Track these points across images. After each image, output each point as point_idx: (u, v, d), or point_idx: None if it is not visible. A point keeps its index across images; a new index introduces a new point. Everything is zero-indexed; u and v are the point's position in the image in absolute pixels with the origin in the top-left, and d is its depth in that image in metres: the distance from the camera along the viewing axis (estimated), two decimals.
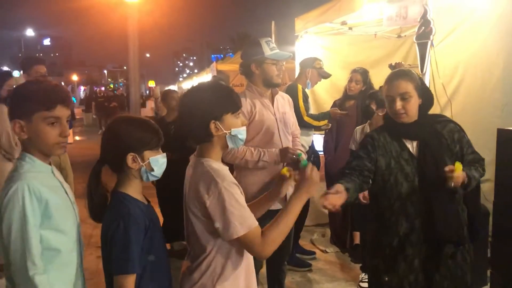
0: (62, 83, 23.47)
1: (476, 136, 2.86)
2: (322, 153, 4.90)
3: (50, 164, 1.82)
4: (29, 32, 60.25)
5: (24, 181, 1.65)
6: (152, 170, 1.80)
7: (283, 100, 3.28)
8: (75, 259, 1.82)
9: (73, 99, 23.02)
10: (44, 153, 1.76)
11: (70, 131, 1.84)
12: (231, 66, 11.46)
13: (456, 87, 4.26)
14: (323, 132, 4.91)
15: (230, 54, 24.40)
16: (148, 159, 1.79)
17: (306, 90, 4.42)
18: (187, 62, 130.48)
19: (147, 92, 28.02)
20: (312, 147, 4.43)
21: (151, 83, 31.28)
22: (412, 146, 2.34)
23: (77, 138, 16.28)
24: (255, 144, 3.01)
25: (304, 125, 4.07)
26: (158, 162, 1.82)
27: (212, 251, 1.80)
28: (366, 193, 3.78)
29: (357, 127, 4.10)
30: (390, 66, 4.66)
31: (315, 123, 4.24)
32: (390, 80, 2.36)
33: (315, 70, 4.42)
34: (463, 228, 2.33)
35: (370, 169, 2.36)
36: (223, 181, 1.73)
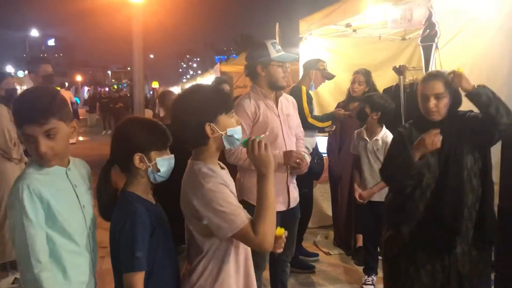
0: (66, 84, 23.51)
1: None
2: (326, 155, 4.90)
3: (67, 165, 1.84)
4: (34, 33, 60.41)
5: (25, 181, 1.69)
6: (159, 170, 1.83)
7: (287, 102, 3.28)
8: (83, 263, 1.82)
9: (77, 99, 23.07)
10: (40, 162, 1.77)
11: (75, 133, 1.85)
12: (234, 67, 11.48)
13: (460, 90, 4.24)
14: (326, 134, 4.91)
15: (234, 55, 24.41)
16: (155, 159, 1.82)
17: (310, 91, 4.42)
18: (190, 63, 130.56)
19: (151, 93, 28.04)
20: (316, 148, 4.43)
21: (155, 84, 31.33)
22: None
23: (80, 138, 16.31)
24: None
25: (308, 127, 4.07)
26: (165, 163, 1.85)
27: (208, 253, 1.81)
28: (364, 193, 3.79)
29: (355, 131, 4.11)
30: (395, 68, 4.66)
31: (319, 124, 4.24)
32: (426, 80, 2.62)
33: (318, 72, 4.42)
34: (462, 222, 2.51)
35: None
36: (208, 183, 1.73)
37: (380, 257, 4.16)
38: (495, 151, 3.35)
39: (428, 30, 3.82)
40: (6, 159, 4.17)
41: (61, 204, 1.74)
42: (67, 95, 14.47)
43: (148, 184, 1.89)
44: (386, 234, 2.79)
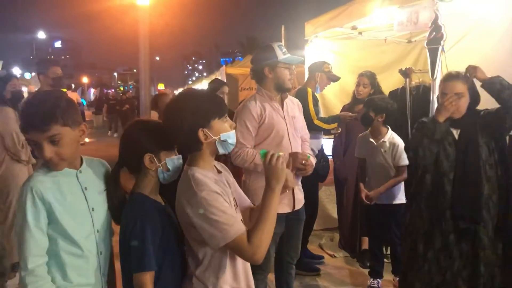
0: (73, 85, 23.58)
1: None
2: (331, 157, 4.90)
3: (79, 167, 1.85)
4: (41, 35, 60.83)
5: (29, 183, 1.72)
6: (168, 170, 1.86)
7: (292, 104, 3.29)
8: (85, 266, 1.82)
9: (83, 101, 23.16)
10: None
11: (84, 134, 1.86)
12: (240, 69, 11.48)
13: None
14: (332, 136, 4.91)
15: (240, 57, 24.44)
16: (164, 159, 1.85)
17: (316, 93, 4.43)
18: (196, 65, 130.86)
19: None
20: (321, 151, 4.43)
21: (161, 86, 31.44)
22: (456, 133, 2.84)
23: (86, 140, 16.37)
24: (265, 148, 3.01)
25: (314, 129, 4.08)
26: (174, 162, 1.88)
27: (204, 260, 1.80)
28: (371, 193, 3.79)
29: (359, 135, 4.11)
30: (401, 71, 4.65)
31: (325, 126, 4.24)
32: (446, 80, 2.89)
33: (324, 74, 4.43)
34: (481, 210, 2.72)
35: None
36: (202, 191, 1.71)
37: (386, 260, 4.16)
38: None
39: (434, 33, 3.81)
40: (16, 161, 4.21)
41: (66, 207, 1.75)
42: (74, 96, 14.57)
43: (157, 184, 1.91)
44: (407, 216, 3.04)
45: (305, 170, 3.10)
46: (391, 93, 4.90)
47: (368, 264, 4.29)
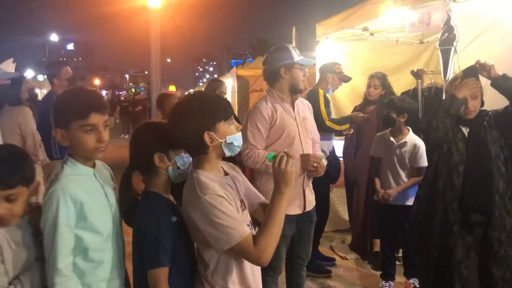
0: None
1: None
2: (342, 159, 4.88)
3: (94, 166, 1.90)
4: (53, 37, 61.41)
5: (60, 184, 1.75)
6: (178, 168, 1.89)
7: (303, 106, 3.29)
8: (109, 258, 1.86)
9: None
10: (85, 157, 1.85)
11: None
12: (250, 71, 11.51)
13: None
14: (343, 137, 4.90)
15: (250, 59, 24.48)
16: (174, 158, 1.88)
17: (327, 95, 4.42)
18: (207, 67, 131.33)
19: None
20: (332, 152, 4.42)
21: (172, 88, 31.58)
22: (466, 130, 2.91)
23: None
24: (276, 149, 3.02)
25: (326, 130, 4.08)
26: (184, 160, 1.90)
27: (211, 262, 1.81)
28: (391, 191, 3.76)
29: (377, 134, 4.08)
30: (413, 72, 4.62)
31: (337, 127, 4.23)
32: (475, 74, 2.94)
33: (335, 75, 4.43)
34: (493, 203, 2.77)
35: None
36: (205, 195, 1.71)
37: (398, 263, 4.14)
38: None
39: (446, 34, 3.78)
40: (34, 162, 4.25)
41: (93, 204, 1.79)
42: None
43: (168, 183, 1.93)
44: (416, 206, 3.12)
45: (317, 172, 3.09)
46: (402, 94, 4.88)
47: (379, 266, 4.26)
